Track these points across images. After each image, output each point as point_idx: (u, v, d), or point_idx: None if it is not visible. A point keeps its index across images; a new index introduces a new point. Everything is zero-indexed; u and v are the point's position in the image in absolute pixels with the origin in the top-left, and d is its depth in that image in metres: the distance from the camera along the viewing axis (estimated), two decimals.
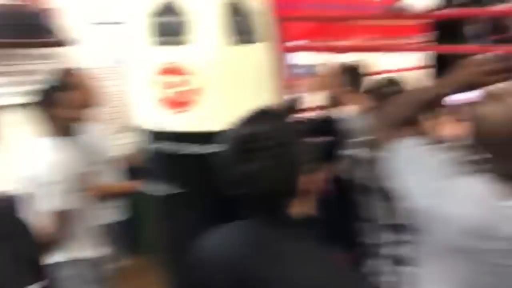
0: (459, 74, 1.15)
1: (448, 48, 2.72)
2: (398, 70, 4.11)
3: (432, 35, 2.95)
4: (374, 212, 1.42)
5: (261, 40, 1.21)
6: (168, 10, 1.14)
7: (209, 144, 1.11)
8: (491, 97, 1.02)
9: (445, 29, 2.82)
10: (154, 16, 1.15)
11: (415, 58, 3.40)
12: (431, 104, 1.20)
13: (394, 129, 1.17)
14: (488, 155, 1.03)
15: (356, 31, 4.46)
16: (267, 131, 0.90)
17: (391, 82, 1.52)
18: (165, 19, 1.14)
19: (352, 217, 1.53)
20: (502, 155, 1.02)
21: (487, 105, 1.01)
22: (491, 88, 1.06)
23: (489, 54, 1.15)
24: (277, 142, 0.89)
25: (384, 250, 1.44)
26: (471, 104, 1.07)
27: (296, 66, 1.95)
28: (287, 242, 0.90)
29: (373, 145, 1.25)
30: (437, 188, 1.04)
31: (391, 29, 4.81)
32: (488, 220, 1.01)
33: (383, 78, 1.62)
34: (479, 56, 1.14)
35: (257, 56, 1.19)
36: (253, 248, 0.91)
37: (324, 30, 3.40)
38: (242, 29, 1.17)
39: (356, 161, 1.46)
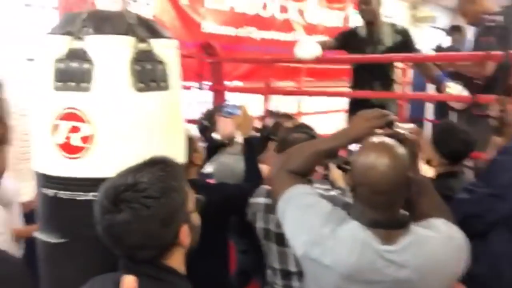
0: (352, 128, 1.22)
1: (362, 94, 2.88)
2: (325, 112, 4.32)
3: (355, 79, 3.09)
4: (272, 257, 1.44)
5: (168, 88, 1.22)
6: (73, 55, 1.13)
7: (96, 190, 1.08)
8: (371, 149, 1.09)
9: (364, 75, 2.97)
10: (59, 61, 1.13)
11: (343, 101, 3.56)
12: (327, 155, 1.26)
13: (290, 177, 1.21)
14: (364, 205, 1.09)
15: (293, 73, 4.67)
16: (139, 182, 0.91)
17: (298, 129, 1.57)
18: (70, 64, 1.12)
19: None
20: (373, 204, 1.08)
21: (366, 159, 1.07)
22: (373, 139, 1.13)
23: (374, 110, 1.23)
24: (146, 194, 0.89)
25: None
26: (353, 154, 1.14)
27: (226, 106, 1.97)
28: None
29: (271, 192, 1.28)
30: (322, 236, 1.08)
31: (324, 72, 5.07)
32: (371, 265, 1.05)
33: (293, 125, 1.68)
34: (365, 113, 1.22)
35: (161, 103, 1.19)
36: None
37: (261, 72, 3.52)
38: (150, 77, 1.17)
39: (257, 208, 1.49)
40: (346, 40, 2.98)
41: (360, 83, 2.97)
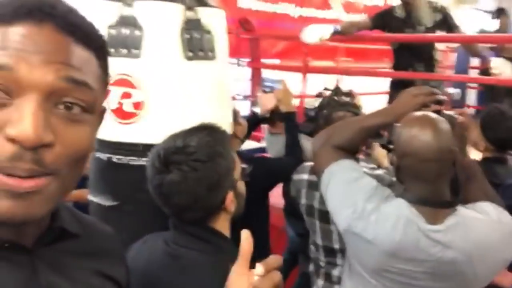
0: (399, 105, 1.19)
1: (403, 74, 2.80)
2: (365, 94, 4.22)
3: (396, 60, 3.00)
4: (315, 234, 1.44)
5: (215, 58, 1.22)
6: (123, 22, 1.14)
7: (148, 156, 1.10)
8: (415, 120, 1.06)
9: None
10: (111, 28, 1.15)
11: (384, 83, 3.48)
12: (373, 131, 1.23)
13: (334, 152, 1.19)
14: (410, 179, 1.07)
15: (331, 52, 4.57)
16: (188, 145, 0.93)
17: (344, 106, 1.54)
18: (121, 30, 1.14)
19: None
20: (419, 175, 1.05)
21: (410, 130, 1.04)
22: (417, 113, 1.10)
23: (423, 87, 1.19)
24: (195, 158, 0.91)
25: (322, 270, 1.46)
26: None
27: (267, 80, 1.97)
28: (200, 255, 0.93)
29: (313, 167, 1.27)
30: (366, 210, 1.06)
31: (364, 52, 4.94)
32: (415, 243, 1.03)
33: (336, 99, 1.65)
34: (414, 89, 1.18)
35: (209, 73, 1.19)
36: (166, 259, 0.93)
37: (298, 50, 3.46)
38: (198, 46, 1.17)
39: (301, 184, 1.48)
40: (384, 20, 2.87)
41: (402, 65, 2.87)
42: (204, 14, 1.20)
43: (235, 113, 1.66)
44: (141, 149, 1.14)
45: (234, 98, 3.80)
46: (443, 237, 1.02)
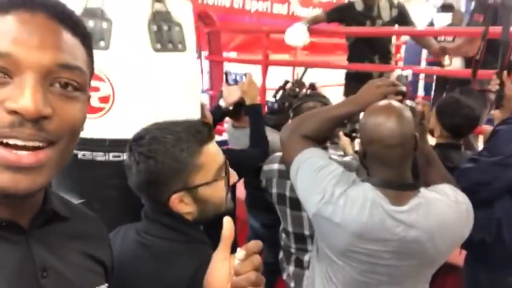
0: (364, 95, 1.24)
1: (362, 67, 2.90)
2: (321, 86, 4.32)
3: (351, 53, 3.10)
4: (286, 221, 1.48)
5: (185, 50, 1.21)
6: (90, 13, 1.11)
7: (115, 151, 1.11)
8: (380, 108, 1.12)
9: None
10: None
11: (338, 75, 3.57)
12: (339, 121, 1.28)
13: (302, 141, 1.23)
14: (375, 164, 1.13)
15: (288, 46, 4.65)
16: (143, 137, 0.94)
17: (313, 97, 1.59)
18: (87, 22, 1.11)
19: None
20: (383, 161, 1.11)
21: (376, 118, 1.10)
22: (381, 102, 1.16)
23: (385, 78, 1.25)
24: (140, 151, 0.92)
25: (292, 257, 1.50)
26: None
27: (231, 73, 1.97)
28: (171, 244, 0.93)
29: (283, 157, 1.31)
30: (334, 195, 1.11)
31: (318, 46, 5.06)
32: (381, 224, 1.09)
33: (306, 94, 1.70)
34: (378, 81, 1.24)
35: (179, 64, 1.18)
36: (137, 248, 0.93)
37: (257, 43, 3.49)
38: (167, 37, 1.16)
39: (271, 174, 1.51)
40: (343, 14, 2.96)
41: (359, 57, 2.97)
42: (173, 6, 1.19)
43: (202, 106, 1.65)
44: (108, 145, 1.12)
45: None
46: (407, 217, 1.09)
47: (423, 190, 1.14)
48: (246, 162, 1.69)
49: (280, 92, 2.19)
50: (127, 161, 0.94)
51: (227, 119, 2.09)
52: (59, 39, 0.50)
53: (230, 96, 1.91)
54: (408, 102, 1.29)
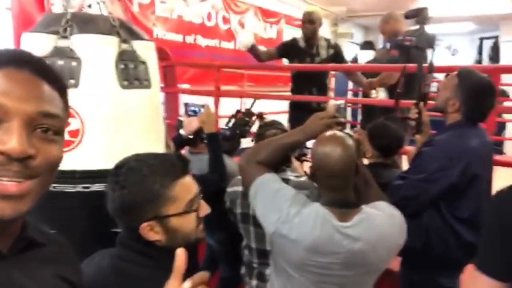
0: (309, 126, 1.29)
1: (307, 98, 3.01)
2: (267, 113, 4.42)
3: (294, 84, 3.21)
4: (250, 238, 1.48)
5: (150, 86, 1.20)
6: (59, 53, 1.08)
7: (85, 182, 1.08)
8: (327, 140, 1.17)
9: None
10: (45, 58, 1.08)
11: (280, 103, 3.67)
12: (290, 148, 1.32)
13: (259, 167, 1.25)
14: (323, 188, 1.17)
15: (236, 78, 4.73)
16: (121, 166, 0.91)
17: (273, 125, 1.62)
18: (56, 61, 1.07)
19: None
20: (330, 186, 1.16)
21: (323, 148, 1.15)
22: (327, 133, 1.21)
23: (327, 112, 1.31)
24: (116, 180, 0.90)
25: (255, 271, 1.50)
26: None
27: (190, 105, 1.96)
28: (142, 269, 0.90)
29: (242, 181, 1.32)
30: (290, 214, 1.13)
31: (264, 78, 5.20)
32: (330, 238, 1.12)
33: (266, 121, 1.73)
34: (320, 114, 1.30)
35: (145, 100, 1.18)
36: (111, 274, 0.90)
37: (208, 76, 3.51)
38: (133, 75, 1.15)
39: (235, 195, 1.52)
40: (287, 49, 3.08)
41: (300, 89, 3.08)
42: (138, 46, 1.19)
43: (166, 135, 1.63)
44: (78, 176, 1.09)
45: None
46: (352, 232, 1.13)
47: (364, 207, 1.19)
48: (206, 186, 1.68)
49: (232, 121, 2.21)
50: (106, 187, 0.92)
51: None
52: (41, 91, 0.55)
53: (189, 125, 1.91)
54: (346, 131, 1.36)
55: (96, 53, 1.10)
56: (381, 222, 1.17)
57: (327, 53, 3.01)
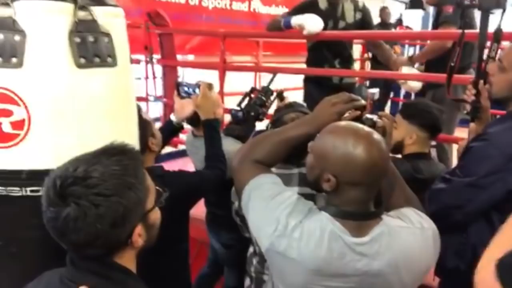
0: (318, 114, 1.19)
1: (329, 72, 2.88)
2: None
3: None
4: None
5: (115, 64, 1.13)
6: (1, 25, 1.01)
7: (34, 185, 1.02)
8: (343, 136, 1.06)
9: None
10: None
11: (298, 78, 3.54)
12: (294, 143, 1.22)
13: (254, 167, 1.17)
14: (336, 195, 1.07)
15: (250, 47, 4.59)
16: (89, 176, 0.85)
17: (293, 107, 1.55)
18: None
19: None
20: (348, 199, 1.06)
21: (345, 149, 1.03)
22: (342, 123, 1.11)
23: (342, 94, 1.20)
24: (96, 191, 0.85)
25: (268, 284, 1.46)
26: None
27: (183, 84, 1.88)
28: None
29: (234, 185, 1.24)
30: (288, 227, 1.05)
31: (283, 46, 5.03)
32: (341, 258, 1.04)
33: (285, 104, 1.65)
34: (334, 97, 1.19)
35: (107, 81, 1.10)
36: None
37: (216, 44, 3.40)
38: (92, 51, 1.07)
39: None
40: (305, 11, 2.93)
41: (319, 60, 2.96)
42: (101, 14, 1.10)
43: (149, 124, 1.58)
44: (25, 177, 1.03)
45: (146, 99, 3.68)
46: (369, 249, 1.04)
47: (385, 217, 1.09)
48: (203, 186, 1.65)
49: (246, 100, 2.13)
50: (68, 213, 0.85)
51: (187, 126, 2.02)
52: None
53: (182, 110, 1.84)
54: (369, 116, 1.25)
55: (44, 25, 1.02)
56: (407, 237, 1.07)
57: (354, 17, 2.88)
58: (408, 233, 1.08)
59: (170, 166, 1.73)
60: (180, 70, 3.50)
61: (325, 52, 2.92)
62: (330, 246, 1.03)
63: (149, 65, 3.38)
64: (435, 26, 2.91)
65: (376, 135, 1.06)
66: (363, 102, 1.21)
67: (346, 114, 1.20)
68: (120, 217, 0.87)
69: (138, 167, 0.93)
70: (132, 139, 1.18)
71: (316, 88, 2.92)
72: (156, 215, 0.99)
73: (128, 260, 0.95)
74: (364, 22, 2.91)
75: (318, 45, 2.96)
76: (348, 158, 1.02)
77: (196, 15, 4.33)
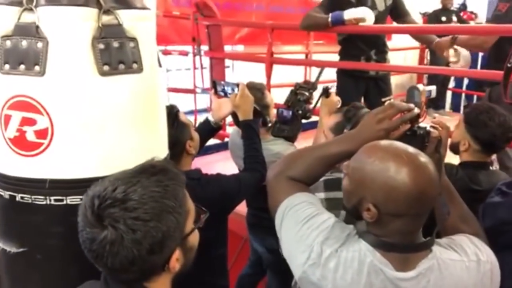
0: (363, 130, 1.07)
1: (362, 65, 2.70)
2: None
3: None
4: None
5: (141, 70, 1.06)
6: (23, 31, 0.97)
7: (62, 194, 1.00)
8: (387, 159, 0.93)
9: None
10: (6, 38, 0.97)
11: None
12: (334, 161, 1.11)
13: (289, 184, 1.07)
14: (378, 225, 0.95)
15: (300, 36, 4.43)
16: (128, 198, 0.82)
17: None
18: (19, 42, 0.97)
19: None
20: (392, 230, 0.93)
21: (382, 168, 0.92)
22: (384, 143, 0.98)
23: (388, 107, 1.07)
24: (135, 215, 0.81)
25: None
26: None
27: (221, 83, 1.81)
28: None
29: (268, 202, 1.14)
30: (323, 256, 0.94)
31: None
32: None
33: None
34: (380, 112, 1.06)
35: (133, 89, 1.04)
36: None
37: (266, 34, 3.27)
38: (117, 57, 1.01)
39: None
40: (333, 4, 2.71)
41: (355, 53, 2.81)
42: (127, 18, 1.04)
43: (187, 127, 1.53)
44: (49, 186, 1.00)
45: (194, 91, 3.64)
46: (415, 286, 0.92)
47: (435, 248, 0.96)
48: (242, 190, 1.60)
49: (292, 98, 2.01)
50: (105, 236, 0.82)
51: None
52: None
53: (219, 110, 1.78)
54: (422, 124, 1.11)
55: (67, 31, 0.97)
56: (460, 272, 0.94)
57: (385, 4, 2.73)
58: (462, 268, 0.95)
59: (214, 158, 1.69)
60: (229, 62, 3.42)
61: (359, 44, 2.79)
62: (370, 280, 0.91)
63: (197, 57, 3.33)
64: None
65: (423, 157, 0.92)
66: (415, 111, 1.07)
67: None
68: (158, 243, 0.83)
69: (178, 188, 0.89)
70: (159, 147, 1.13)
71: (351, 81, 2.80)
72: (195, 238, 0.94)
73: (162, 284, 0.91)
74: (396, 7, 2.77)
75: (351, 37, 2.82)
76: (390, 186, 0.89)
77: (246, 4, 4.21)
